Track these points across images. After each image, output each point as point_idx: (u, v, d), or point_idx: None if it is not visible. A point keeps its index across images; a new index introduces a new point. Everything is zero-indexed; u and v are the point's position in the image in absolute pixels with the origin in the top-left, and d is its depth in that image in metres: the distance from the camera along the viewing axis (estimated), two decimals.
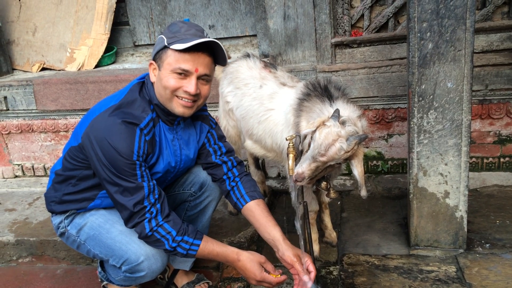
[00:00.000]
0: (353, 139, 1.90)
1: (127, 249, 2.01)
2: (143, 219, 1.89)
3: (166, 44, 1.83)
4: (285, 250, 1.98)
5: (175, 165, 2.10)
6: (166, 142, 2.03)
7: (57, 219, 2.18)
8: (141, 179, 1.89)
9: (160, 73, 1.89)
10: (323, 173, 2.08)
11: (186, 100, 1.90)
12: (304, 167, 1.94)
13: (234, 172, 2.20)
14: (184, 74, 1.85)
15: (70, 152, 2.06)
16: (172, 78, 1.86)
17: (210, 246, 1.96)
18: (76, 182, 2.07)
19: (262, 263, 1.95)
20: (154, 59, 1.92)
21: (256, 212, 2.09)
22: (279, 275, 1.96)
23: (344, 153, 1.91)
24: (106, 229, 2.08)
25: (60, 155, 3.81)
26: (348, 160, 1.98)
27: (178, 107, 1.92)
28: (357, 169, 1.98)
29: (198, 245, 1.94)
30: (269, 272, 1.96)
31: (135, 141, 1.86)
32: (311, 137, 1.97)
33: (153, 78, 1.94)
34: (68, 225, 2.15)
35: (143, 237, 1.93)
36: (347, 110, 2.05)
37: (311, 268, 1.96)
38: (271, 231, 2.03)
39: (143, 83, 2.02)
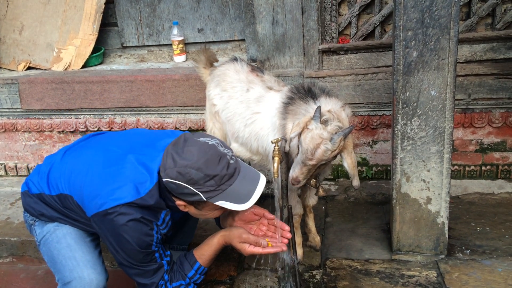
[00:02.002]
0: (338, 137, 1.92)
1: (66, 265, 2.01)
2: None
3: (205, 200, 1.75)
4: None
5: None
6: (172, 221, 2.06)
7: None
8: (160, 259, 1.94)
9: (201, 212, 1.87)
10: (318, 171, 2.12)
11: None
12: (297, 172, 2.00)
13: None
14: None
15: (64, 199, 1.99)
16: (217, 212, 1.88)
17: (206, 257, 2.00)
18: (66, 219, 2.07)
19: (243, 240, 1.93)
20: (184, 201, 1.81)
21: None
22: (268, 244, 1.95)
23: (330, 153, 1.93)
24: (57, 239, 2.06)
25: (44, 155, 3.78)
26: (338, 154, 2.01)
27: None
28: (347, 161, 2.02)
29: (201, 266, 2.00)
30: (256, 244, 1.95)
31: (154, 236, 1.87)
32: (299, 140, 1.99)
33: (185, 209, 1.87)
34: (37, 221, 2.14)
35: None
36: (330, 103, 2.08)
37: (270, 215, 2.00)
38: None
39: (160, 186, 1.87)
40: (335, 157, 2.02)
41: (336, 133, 1.93)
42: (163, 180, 1.77)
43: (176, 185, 1.74)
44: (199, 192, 1.73)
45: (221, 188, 1.73)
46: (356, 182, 2.04)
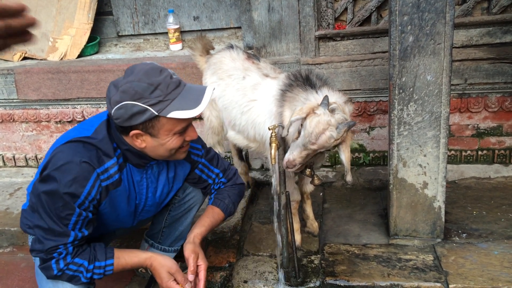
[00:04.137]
0: (343, 127, 1.95)
1: None
2: (50, 258, 1.78)
3: (156, 113, 1.66)
4: (189, 243, 1.97)
5: (138, 203, 2.02)
6: (132, 185, 1.94)
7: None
8: (72, 227, 1.77)
9: (158, 140, 1.75)
10: (313, 159, 2.13)
11: (187, 144, 1.87)
12: (295, 155, 2.00)
13: (221, 186, 2.24)
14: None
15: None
16: (175, 138, 1.77)
17: (123, 261, 1.90)
18: None
19: (172, 272, 1.90)
20: (137, 128, 1.71)
21: (204, 213, 2.15)
22: None
23: (334, 141, 1.96)
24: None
25: (42, 145, 3.78)
26: (336, 146, 2.02)
27: (182, 154, 1.89)
28: (345, 154, 2.04)
29: (112, 264, 1.87)
30: (178, 283, 1.91)
31: (85, 190, 1.74)
32: (301, 124, 2.00)
33: (141, 144, 1.77)
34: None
35: (52, 277, 1.82)
36: (334, 97, 2.10)
37: (202, 275, 1.93)
38: (197, 226, 2.06)
39: (109, 123, 1.84)
40: (333, 147, 2.04)
41: (342, 123, 1.96)
42: (112, 112, 1.69)
43: (123, 107, 1.65)
44: (148, 106, 1.64)
45: (169, 98, 1.66)
46: (349, 177, 2.08)
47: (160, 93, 1.66)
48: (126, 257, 1.91)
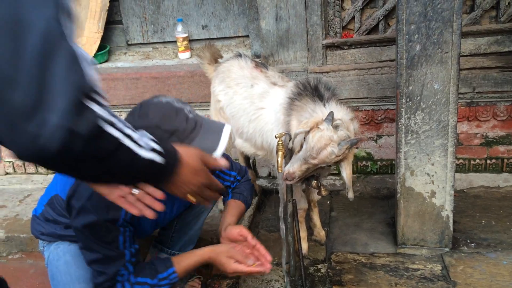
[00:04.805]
0: (344, 144, 1.94)
1: None
2: (115, 283, 1.82)
3: None
4: (229, 225, 1.99)
5: (157, 218, 2.06)
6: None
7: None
8: (122, 246, 1.82)
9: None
10: (313, 173, 2.13)
11: None
12: (295, 167, 1.99)
13: (237, 184, 2.26)
14: None
15: (53, 201, 2.01)
16: None
17: (184, 264, 1.93)
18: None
19: (230, 256, 1.90)
20: None
21: (228, 206, 2.15)
22: (253, 264, 1.90)
23: (335, 157, 1.95)
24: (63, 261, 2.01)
25: None
26: (338, 162, 2.02)
27: None
28: (346, 171, 2.04)
29: (175, 271, 1.90)
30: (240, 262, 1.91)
31: (122, 211, 1.76)
32: (304, 137, 2.00)
33: None
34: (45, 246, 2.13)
35: None
36: (340, 112, 2.09)
37: (254, 241, 1.92)
38: (227, 217, 2.07)
39: None
40: (335, 163, 2.04)
41: (344, 140, 1.96)
42: None
43: None
44: None
45: (186, 143, 1.65)
46: (351, 194, 2.07)
47: (176, 139, 1.64)
48: (185, 260, 1.94)
